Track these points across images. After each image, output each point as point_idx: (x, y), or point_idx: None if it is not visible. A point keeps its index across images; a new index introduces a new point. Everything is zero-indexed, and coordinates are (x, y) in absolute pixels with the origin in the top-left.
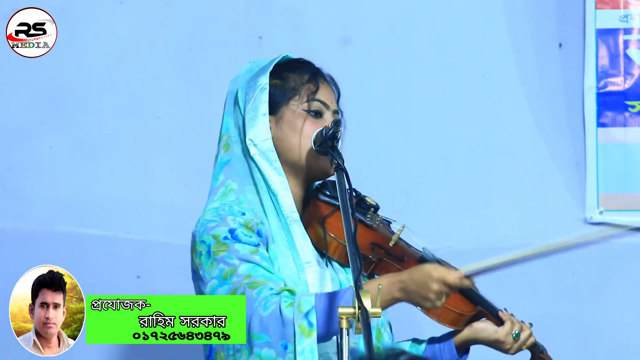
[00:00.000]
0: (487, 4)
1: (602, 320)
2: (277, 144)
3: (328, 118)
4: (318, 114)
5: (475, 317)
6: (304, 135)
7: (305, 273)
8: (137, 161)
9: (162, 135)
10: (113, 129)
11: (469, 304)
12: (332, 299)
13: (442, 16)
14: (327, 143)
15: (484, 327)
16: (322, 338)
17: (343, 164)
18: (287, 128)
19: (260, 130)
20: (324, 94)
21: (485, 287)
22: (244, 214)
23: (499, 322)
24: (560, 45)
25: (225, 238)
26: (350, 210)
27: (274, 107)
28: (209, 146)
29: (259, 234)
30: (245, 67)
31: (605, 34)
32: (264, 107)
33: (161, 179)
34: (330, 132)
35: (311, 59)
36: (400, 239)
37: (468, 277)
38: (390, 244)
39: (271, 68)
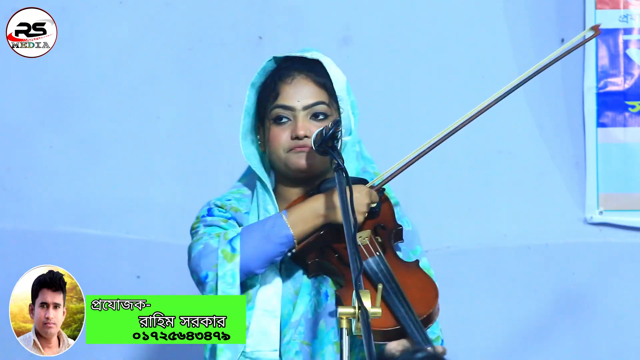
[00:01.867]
0: (487, 4)
1: (601, 320)
2: (268, 155)
3: (298, 116)
4: (283, 120)
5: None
6: (271, 143)
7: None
8: (137, 161)
9: (162, 135)
10: (113, 129)
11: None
12: (260, 225)
13: (442, 16)
14: (327, 143)
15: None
16: (248, 263)
17: (343, 163)
18: (267, 142)
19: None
20: (286, 95)
21: (484, 288)
22: (229, 200)
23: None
24: (562, 40)
25: (202, 216)
26: (350, 210)
27: (261, 119)
28: (209, 146)
29: (233, 218)
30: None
31: (605, 34)
32: (246, 114)
33: (161, 179)
34: (330, 132)
35: None
36: (373, 243)
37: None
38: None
39: (259, 73)
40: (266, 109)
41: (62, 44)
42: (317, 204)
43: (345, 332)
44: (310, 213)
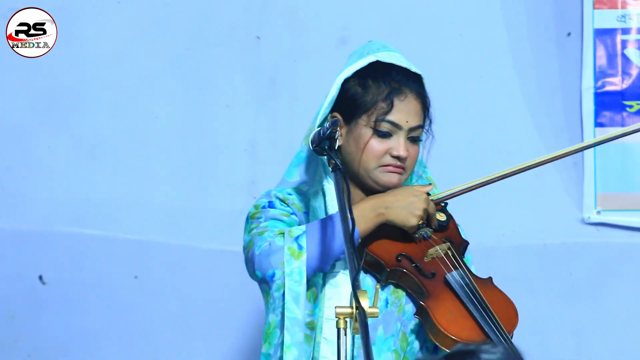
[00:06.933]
0: (485, 4)
1: (599, 321)
2: (343, 153)
3: (399, 138)
4: (387, 135)
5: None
6: (366, 152)
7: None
8: (135, 161)
9: (160, 136)
10: (111, 129)
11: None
12: (324, 222)
13: (439, 16)
14: (325, 143)
15: None
16: (314, 261)
17: (341, 163)
18: (353, 143)
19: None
20: (398, 113)
21: None
22: (290, 194)
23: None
24: (569, 34)
25: (263, 207)
26: (347, 210)
27: (348, 118)
28: (207, 146)
29: (294, 214)
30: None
31: (603, 34)
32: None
33: (159, 179)
34: (328, 132)
35: (309, 59)
36: (448, 257)
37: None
38: (426, 260)
39: (356, 69)
40: (369, 115)
41: (60, 44)
42: (376, 201)
43: (342, 332)
44: (369, 211)
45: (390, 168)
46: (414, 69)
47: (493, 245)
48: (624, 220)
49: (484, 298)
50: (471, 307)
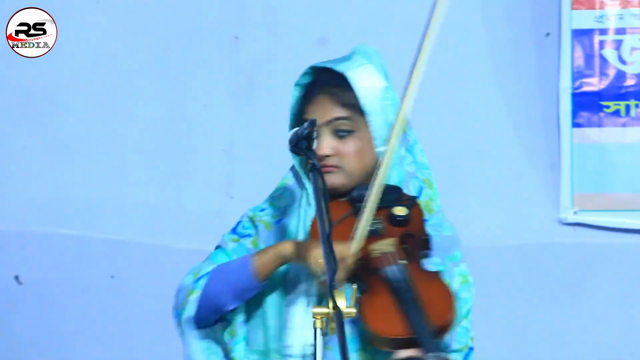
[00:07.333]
0: (464, 5)
1: (576, 320)
2: None
3: (322, 136)
4: (317, 137)
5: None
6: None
7: None
8: (111, 161)
9: (138, 135)
10: (88, 129)
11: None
12: (228, 268)
13: (418, 17)
14: (303, 143)
15: None
16: (213, 300)
17: (318, 163)
18: None
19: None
20: (311, 114)
21: None
22: (263, 209)
23: None
24: (548, 34)
25: (231, 230)
26: (324, 210)
27: None
28: (184, 146)
29: (257, 227)
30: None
31: (581, 35)
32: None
33: (136, 179)
34: (306, 131)
35: (287, 58)
36: (394, 251)
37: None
38: (372, 255)
39: (300, 80)
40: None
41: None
42: (283, 249)
43: (319, 332)
44: (274, 258)
45: (325, 169)
46: (339, 69)
47: (470, 245)
48: (600, 221)
49: (416, 292)
50: (401, 303)
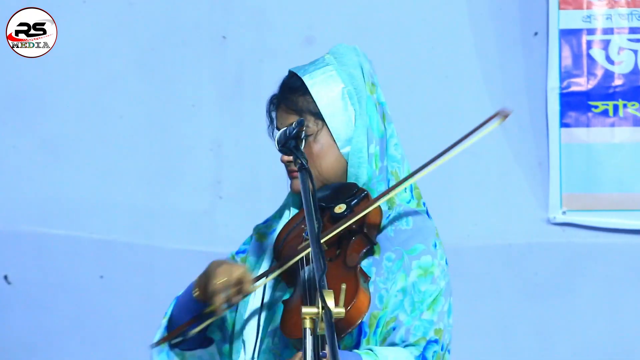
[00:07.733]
0: (450, 5)
1: (563, 320)
2: None
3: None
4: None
5: None
6: None
7: None
8: (100, 161)
9: (126, 135)
10: (76, 129)
11: None
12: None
13: (405, 17)
14: (291, 143)
15: None
16: (175, 324)
17: (307, 164)
18: None
19: None
20: (278, 121)
21: None
22: (267, 220)
23: None
24: (535, 33)
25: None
26: (313, 211)
27: None
28: (172, 146)
29: (244, 252)
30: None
31: (569, 34)
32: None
33: (124, 179)
34: (294, 131)
35: (275, 58)
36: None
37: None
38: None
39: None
40: None
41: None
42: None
43: (309, 331)
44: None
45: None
46: (300, 73)
47: (458, 245)
48: (589, 221)
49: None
50: (305, 302)
